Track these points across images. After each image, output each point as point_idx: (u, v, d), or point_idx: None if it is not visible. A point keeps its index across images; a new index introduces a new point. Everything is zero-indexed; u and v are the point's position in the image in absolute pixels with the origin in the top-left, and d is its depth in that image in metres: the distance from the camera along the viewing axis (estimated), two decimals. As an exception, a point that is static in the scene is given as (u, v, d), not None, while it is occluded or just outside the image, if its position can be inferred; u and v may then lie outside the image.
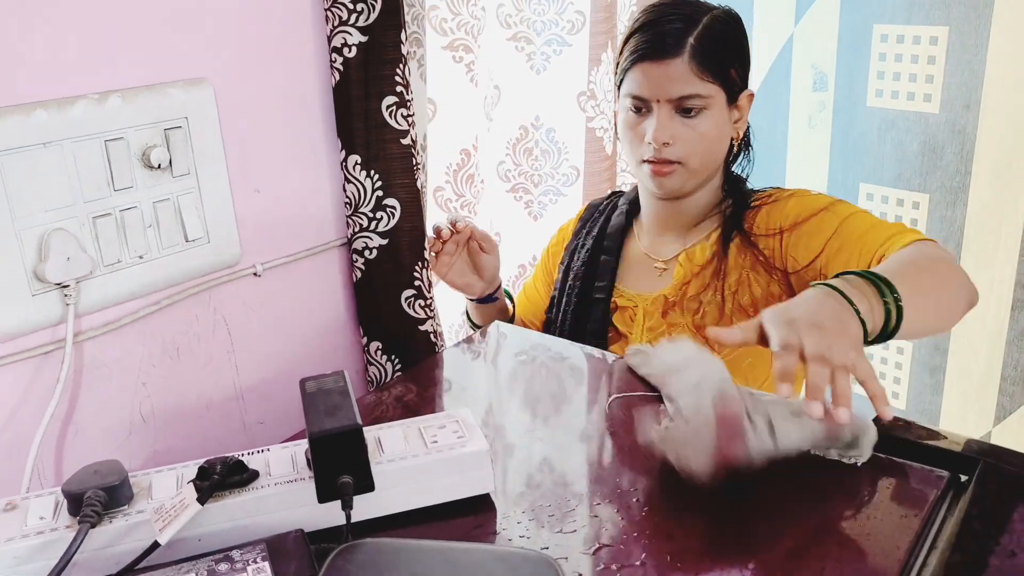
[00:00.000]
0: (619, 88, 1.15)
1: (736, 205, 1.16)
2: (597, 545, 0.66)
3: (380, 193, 1.03)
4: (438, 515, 0.71)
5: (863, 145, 1.66)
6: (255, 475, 0.68)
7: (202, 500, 0.64)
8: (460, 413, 0.77)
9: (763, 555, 0.64)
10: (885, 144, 1.62)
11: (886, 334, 0.79)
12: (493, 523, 0.70)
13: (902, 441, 0.75)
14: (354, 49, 0.97)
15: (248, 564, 0.58)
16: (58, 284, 0.81)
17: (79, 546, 0.59)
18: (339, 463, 0.65)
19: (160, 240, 0.88)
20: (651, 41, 1.07)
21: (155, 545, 0.61)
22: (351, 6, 0.95)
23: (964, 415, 1.63)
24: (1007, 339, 1.52)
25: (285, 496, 0.68)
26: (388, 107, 1.00)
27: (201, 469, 0.67)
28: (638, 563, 0.64)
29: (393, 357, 1.10)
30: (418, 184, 1.05)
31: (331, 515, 0.67)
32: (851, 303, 0.75)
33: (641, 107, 1.10)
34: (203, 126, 0.90)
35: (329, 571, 0.55)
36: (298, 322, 1.06)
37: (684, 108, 1.08)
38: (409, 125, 1.02)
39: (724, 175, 1.19)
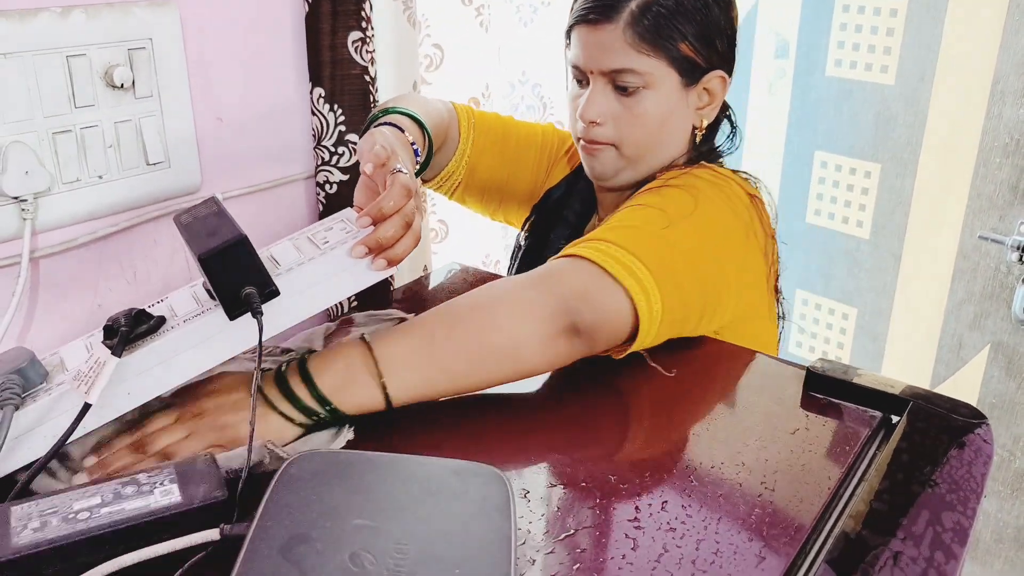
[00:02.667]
0: (567, 51, 1.02)
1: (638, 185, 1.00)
2: (551, 470, 0.69)
3: (343, 128, 1.03)
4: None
5: (820, 113, 1.69)
6: (162, 320, 0.68)
7: (118, 352, 0.63)
8: (345, 212, 0.77)
9: (698, 485, 0.67)
10: (841, 113, 1.66)
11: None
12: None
13: (839, 382, 0.79)
14: (323, -20, 0.97)
15: (155, 487, 0.57)
16: (15, 198, 0.80)
17: (7, 430, 0.59)
18: (236, 277, 0.65)
19: (120, 161, 0.88)
20: (590, 2, 0.93)
21: (86, 407, 0.61)
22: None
23: (902, 380, 1.69)
24: (946, 308, 1.58)
25: (197, 329, 0.67)
26: (353, 42, 1.00)
27: (106, 328, 0.66)
28: (583, 484, 0.66)
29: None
30: None
31: (250, 336, 0.67)
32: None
33: (581, 78, 0.98)
34: (167, 48, 0.89)
35: (280, 483, 0.55)
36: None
37: (620, 84, 0.94)
38: (368, 62, 1.02)
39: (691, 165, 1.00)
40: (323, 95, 1.02)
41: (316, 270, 0.71)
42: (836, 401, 0.78)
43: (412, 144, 0.90)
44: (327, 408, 0.70)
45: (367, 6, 1.00)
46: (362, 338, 0.73)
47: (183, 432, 0.68)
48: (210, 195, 0.73)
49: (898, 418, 0.75)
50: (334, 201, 1.06)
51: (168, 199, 0.94)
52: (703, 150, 1.02)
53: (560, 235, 1.11)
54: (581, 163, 1.12)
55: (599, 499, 0.64)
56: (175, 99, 0.91)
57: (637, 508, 0.64)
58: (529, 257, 1.16)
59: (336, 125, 1.03)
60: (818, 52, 1.67)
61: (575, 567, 0.57)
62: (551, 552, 0.59)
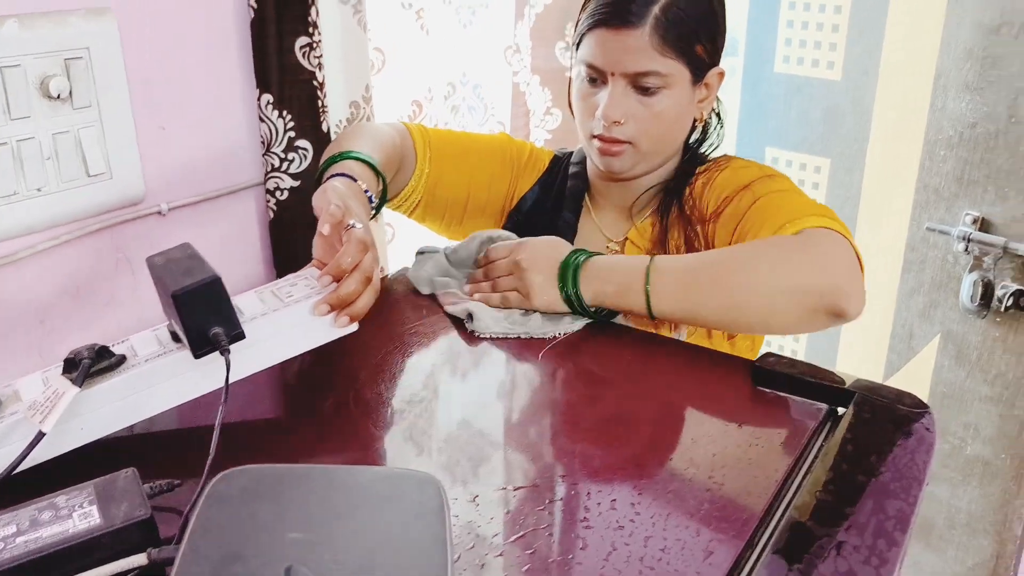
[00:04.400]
0: (576, 52, 1.04)
1: (678, 177, 1.09)
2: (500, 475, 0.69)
3: (292, 134, 1.03)
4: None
5: (770, 110, 1.71)
6: (123, 359, 0.68)
7: (79, 382, 0.63)
8: (308, 270, 0.80)
9: (647, 482, 0.67)
10: (791, 109, 1.68)
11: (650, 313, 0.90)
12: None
13: (786, 377, 0.80)
14: (269, -14, 0.97)
15: (74, 510, 0.55)
16: (-50, 213, 0.79)
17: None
18: (206, 316, 0.67)
19: (60, 173, 0.87)
20: (612, 5, 0.97)
21: (40, 435, 0.61)
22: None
23: (857, 371, 1.71)
24: (897, 298, 1.60)
25: (158, 370, 0.69)
26: (301, 47, 1.00)
27: (67, 361, 0.66)
28: (533, 485, 0.66)
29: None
30: (323, 127, 1.04)
31: (210, 379, 0.70)
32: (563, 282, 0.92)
33: (596, 77, 1.01)
34: (106, 58, 0.88)
35: (208, 501, 0.54)
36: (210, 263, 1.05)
37: (642, 85, 0.99)
38: (315, 67, 1.02)
39: (683, 155, 1.11)
40: (271, 101, 1.01)
41: (280, 321, 0.74)
42: (783, 395, 0.79)
43: (366, 191, 0.91)
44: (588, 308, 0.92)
45: (313, 11, 0.99)
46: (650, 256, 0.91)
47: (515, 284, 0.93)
48: (184, 242, 0.75)
49: (844, 410, 0.76)
50: (285, 208, 1.06)
51: (111, 211, 0.93)
52: (701, 140, 1.12)
53: (560, 234, 1.10)
54: (549, 166, 1.18)
55: (549, 500, 0.65)
56: (115, 109, 0.90)
57: (587, 508, 0.64)
58: None
59: (286, 131, 1.02)
60: (766, 49, 1.69)
61: (524, 568, 0.57)
62: (500, 555, 0.59)
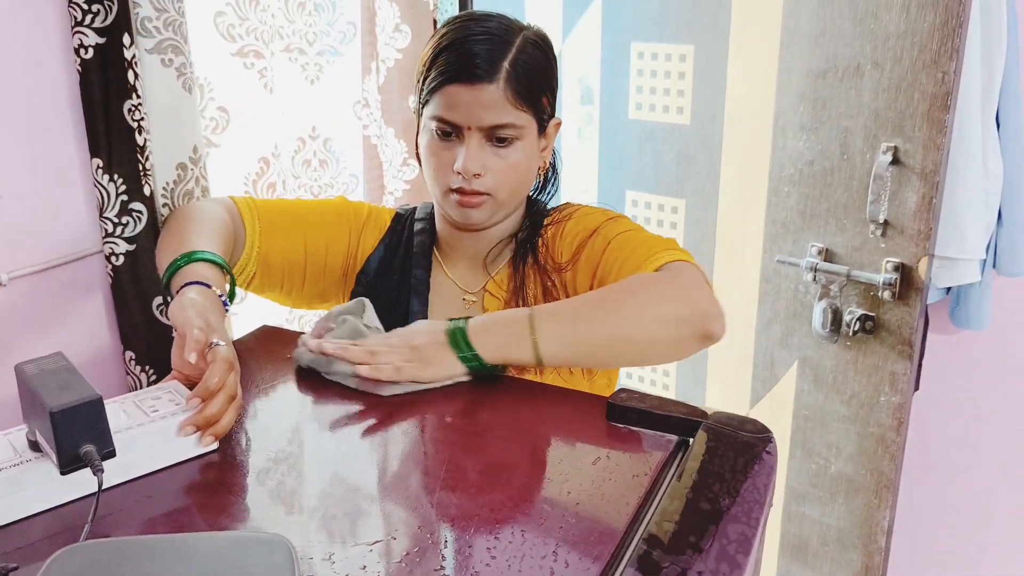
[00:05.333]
0: (423, 107, 1.05)
1: (530, 228, 1.12)
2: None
3: (125, 198, 1.01)
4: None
5: (626, 155, 1.78)
6: None
7: None
8: (170, 384, 0.82)
9: (503, 526, 0.68)
10: (645, 154, 1.75)
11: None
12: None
13: (636, 411, 0.82)
14: (91, 51, 0.95)
15: None
16: None
17: None
18: (80, 433, 0.67)
19: None
20: (462, 62, 0.98)
21: None
22: (85, 7, 0.94)
23: (725, 401, 1.78)
24: (756, 329, 1.68)
25: (15, 479, 0.68)
26: (129, 109, 0.98)
27: None
28: (391, 539, 0.66)
29: (148, 367, 1.07)
30: (146, 191, 1.04)
31: (67, 489, 0.70)
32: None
33: (450, 132, 1.02)
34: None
35: None
36: (54, 333, 1.01)
37: (497, 137, 1.01)
38: (136, 130, 1.01)
39: (529, 202, 1.15)
40: (101, 165, 0.99)
41: (147, 439, 0.75)
42: (636, 429, 0.82)
43: (220, 296, 0.92)
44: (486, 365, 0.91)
45: (130, 75, 0.98)
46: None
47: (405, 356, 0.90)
48: (56, 351, 0.75)
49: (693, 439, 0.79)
50: (123, 274, 1.03)
51: (-58, 285, 0.89)
52: (540, 188, 1.17)
53: (416, 300, 1.13)
54: (391, 224, 1.16)
55: (406, 553, 0.64)
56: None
57: (443, 556, 0.64)
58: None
59: (118, 195, 1.01)
60: (620, 97, 1.77)
61: (377, 625, 0.57)
62: (353, 613, 0.58)
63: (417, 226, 1.16)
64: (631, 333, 0.92)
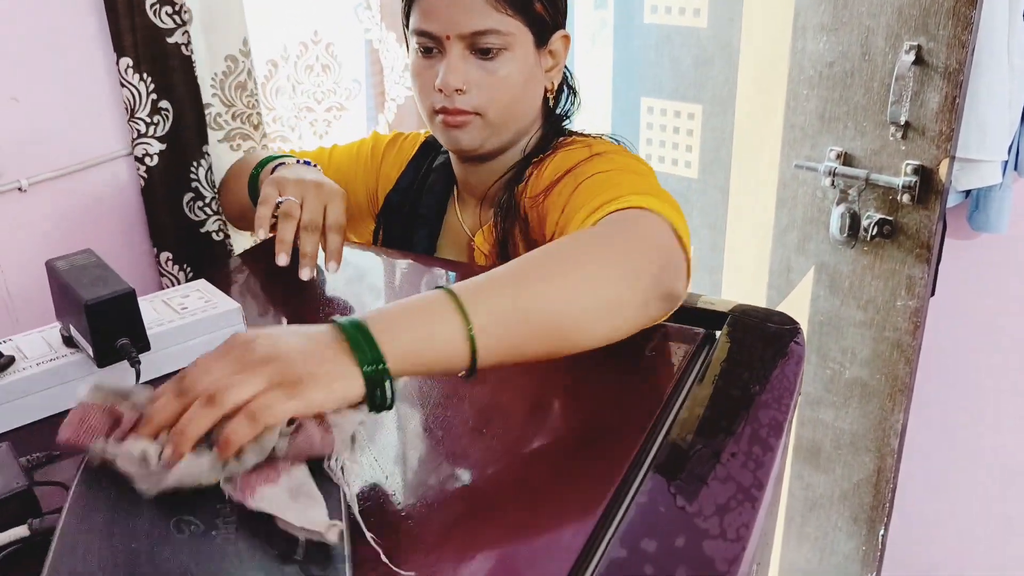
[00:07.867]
0: (407, 26, 0.97)
1: (520, 162, 1.00)
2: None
3: (155, 96, 0.99)
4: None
5: (642, 60, 1.75)
6: (11, 360, 0.68)
7: None
8: (199, 283, 0.84)
9: (534, 417, 0.69)
10: (662, 58, 1.72)
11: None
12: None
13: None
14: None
15: None
16: None
17: None
18: (116, 327, 0.67)
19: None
20: None
21: None
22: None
23: (740, 309, 1.78)
24: (772, 236, 1.67)
25: (56, 373, 0.69)
26: (152, 5, 0.96)
27: None
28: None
29: (185, 266, 1.07)
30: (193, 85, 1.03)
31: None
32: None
33: (432, 47, 0.93)
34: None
35: (88, 470, 0.53)
36: (82, 238, 1.01)
37: (481, 48, 0.91)
38: (176, 24, 0.99)
39: (544, 133, 1.02)
40: (131, 64, 0.97)
41: (180, 332, 0.76)
42: (663, 322, 0.82)
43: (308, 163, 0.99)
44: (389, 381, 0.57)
45: None
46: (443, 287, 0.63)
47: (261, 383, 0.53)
48: (86, 248, 0.75)
49: (720, 332, 0.80)
50: (156, 175, 1.02)
51: (-37, 190, 0.88)
52: (557, 113, 1.04)
53: (421, 233, 1.08)
54: (413, 158, 1.12)
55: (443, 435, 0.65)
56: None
57: (484, 436, 0.65)
58: None
59: (148, 94, 0.99)
60: (634, 0, 1.72)
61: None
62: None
63: (440, 159, 1.11)
64: (570, 303, 0.65)
